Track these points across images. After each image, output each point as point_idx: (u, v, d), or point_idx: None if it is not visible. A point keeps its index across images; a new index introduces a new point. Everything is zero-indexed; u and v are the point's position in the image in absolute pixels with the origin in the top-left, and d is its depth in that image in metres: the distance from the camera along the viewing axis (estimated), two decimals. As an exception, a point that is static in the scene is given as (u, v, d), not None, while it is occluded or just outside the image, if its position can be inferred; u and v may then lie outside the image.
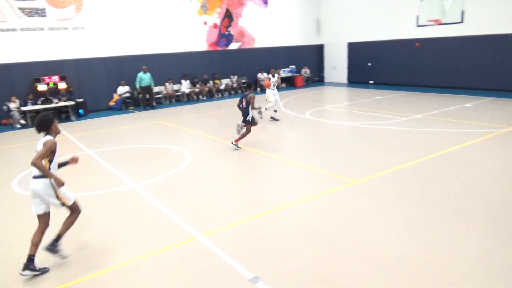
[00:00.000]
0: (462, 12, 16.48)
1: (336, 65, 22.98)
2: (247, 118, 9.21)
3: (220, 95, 19.70)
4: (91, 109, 16.37)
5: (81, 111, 15.69)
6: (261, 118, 12.24)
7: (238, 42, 20.58)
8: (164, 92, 18.07)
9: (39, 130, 4.47)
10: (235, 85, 20.34)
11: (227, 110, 15.52)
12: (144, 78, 16.55)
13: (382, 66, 20.30)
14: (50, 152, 4.33)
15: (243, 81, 20.84)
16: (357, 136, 10.12)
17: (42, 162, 4.23)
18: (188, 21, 18.68)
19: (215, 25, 19.65)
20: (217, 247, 4.72)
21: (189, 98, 18.68)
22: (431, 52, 17.93)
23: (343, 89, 20.50)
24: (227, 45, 20.26)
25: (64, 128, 13.30)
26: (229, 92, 20.12)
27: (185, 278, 4.18)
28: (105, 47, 16.59)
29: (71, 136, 11.92)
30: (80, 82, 16.20)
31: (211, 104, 17.59)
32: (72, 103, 15.34)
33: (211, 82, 19.54)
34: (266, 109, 12.43)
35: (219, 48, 20.01)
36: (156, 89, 17.49)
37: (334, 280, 3.97)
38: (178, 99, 18.58)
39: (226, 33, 20.11)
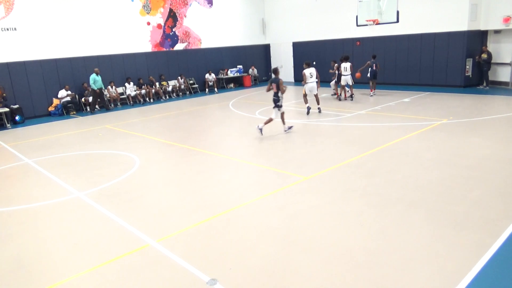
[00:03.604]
0: (398, 13, 17.47)
1: (283, 64, 23.39)
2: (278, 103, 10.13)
3: (167, 97, 19.32)
4: (28, 115, 15.37)
5: (19, 117, 14.70)
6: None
7: (183, 42, 20.29)
8: (108, 95, 17.39)
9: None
10: (182, 86, 20.04)
11: (175, 112, 15.27)
12: (98, 80, 16.05)
13: (326, 65, 20.92)
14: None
15: (191, 82, 20.61)
16: (306, 133, 10.39)
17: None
18: (130, 22, 18.09)
19: (159, 26, 19.22)
20: (172, 252, 4.64)
21: (135, 101, 18.14)
22: (371, 51, 18.79)
23: (290, 87, 20.88)
24: (173, 46, 19.90)
25: (-2, 137, 12.39)
26: (177, 93, 19.80)
27: (140, 286, 4.06)
28: (41, 49, 15.61)
29: (6, 145, 11.11)
30: (15, 87, 15.13)
31: (158, 106, 17.20)
32: (6, 109, 14.30)
33: (157, 84, 19.10)
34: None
35: (164, 49, 19.61)
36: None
37: (288, 274, 4.05)
38: (123, 102, 17.97)
39: (171, 33, 19.75)
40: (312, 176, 6.92)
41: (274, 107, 10.10)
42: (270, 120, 10.12)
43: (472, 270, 3.89)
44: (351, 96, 14.92)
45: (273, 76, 10.36)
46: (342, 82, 14.69)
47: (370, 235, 4.75)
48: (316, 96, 12.63)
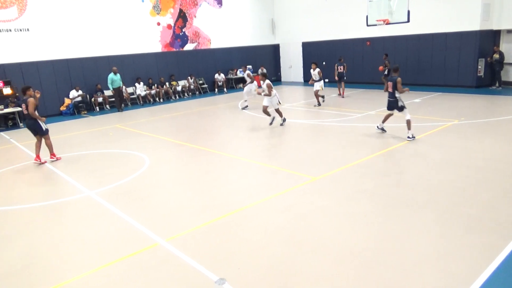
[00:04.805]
0: (408, 12, 17.30)
1: (292, 64, 23.36)
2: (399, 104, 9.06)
3: (177, 97, 19.42)
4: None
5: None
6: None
7: (193, 43, 20.37)
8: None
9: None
10: (192, 86, 20.13)
11: (185, 111, 15.34)
12: (115, 79, 16.15)
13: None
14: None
15: (200, 82, 20.69)
16: (315, 134, 10.35)
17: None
18: (140, 22, 18.23)
19: (169, 26, 19.33)
20: (181, 251, 4.66)
21: (145, 101, 18.27)
22: (381, 51, 18.68)
23: (299, 88, 20.87)
24: (183, 46, 20.00)
25: (11, 136, 12.59)
26: (187, 93, 19.89)
27: (149, 285, 4.09)
28: (52, 50, 15.82)
29: (19, 144, 11.27)
30: (27, 87, 15.34)
31: (168, 106, 17.30)
32: (19, 109, 14.50)
33: (167, 84, 19.22)
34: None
35: (174, 49, 19.71)
36: (108, 92, 16.99)
37: (296, 274, 4.04)
38: (134, 102, 18.11)
39: (181, 34, 19.85)
40: (321, 176, 6.90)
41: (393, 109, 9.22)
42: (408, 121, 8.95)
43: (483, 274, 3.84)
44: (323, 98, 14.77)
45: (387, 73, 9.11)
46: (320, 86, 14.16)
47: (378, 237, 4.72)
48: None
